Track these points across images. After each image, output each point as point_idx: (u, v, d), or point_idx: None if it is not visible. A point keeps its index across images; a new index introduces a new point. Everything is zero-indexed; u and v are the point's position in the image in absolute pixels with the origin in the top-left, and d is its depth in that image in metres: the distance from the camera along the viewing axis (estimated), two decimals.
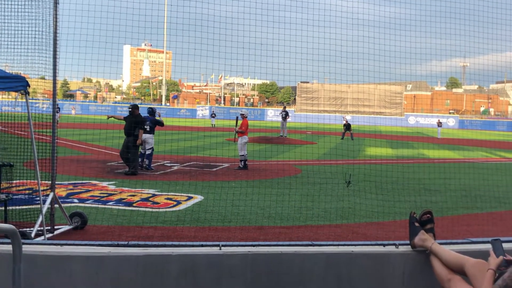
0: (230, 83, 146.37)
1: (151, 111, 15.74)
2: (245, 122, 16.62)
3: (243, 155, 16.11)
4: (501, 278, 3.04)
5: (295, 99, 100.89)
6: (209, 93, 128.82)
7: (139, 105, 15.93)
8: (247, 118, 16.99)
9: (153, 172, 14.66)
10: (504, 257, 3.31)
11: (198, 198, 10.57)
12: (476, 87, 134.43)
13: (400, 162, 19.48)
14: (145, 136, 14.81)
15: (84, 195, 10.64)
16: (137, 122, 14.07)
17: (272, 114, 76.83)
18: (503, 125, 75.69)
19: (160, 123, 15.63)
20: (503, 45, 9.32)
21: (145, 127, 14.84)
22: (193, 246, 4.27)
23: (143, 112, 15.38)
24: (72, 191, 11.06)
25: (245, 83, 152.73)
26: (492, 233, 8.06)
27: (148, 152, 15.18)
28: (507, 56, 9.53)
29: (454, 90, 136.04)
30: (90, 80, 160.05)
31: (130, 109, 14.72)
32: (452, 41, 8.95)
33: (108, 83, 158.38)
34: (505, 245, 3.48)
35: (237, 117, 17.18)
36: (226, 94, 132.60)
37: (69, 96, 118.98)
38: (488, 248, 3.53)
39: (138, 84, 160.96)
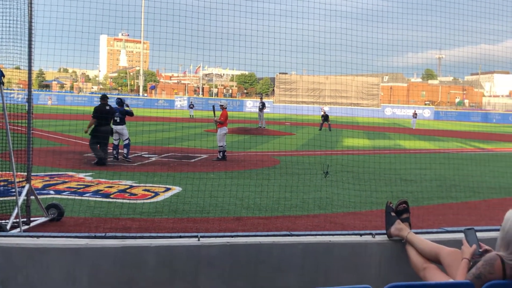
0: (209, 74, 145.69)
1: (120, 102, 15.47)
2: (225, 113, 16.56)
3: (221, 146, 16.08)
4: (475, 266, 3.10)
5: (273, 90, 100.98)
6: (187, 83, 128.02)
7: (108, 95, 15.65)
8: (226, 109, 16.93)
9: (131, 163, 14.56)
10: (478, 246, 3.38)
11: (176, 189, 10.54)
12: (451, 78, 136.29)
13: (377, 152, 19.69)
14: (116, 127, 14.74)
15: (60, 187, 10.52)
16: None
17: (251, 105, 76.79)
18: (477, 116, 76.89)
19: (130, 113, 15.44)
20: (478, 37, 9.45)
21: (115, 118, 14.74)
22: (171, 237, 4.27)
23: (112, 103, 15.19)
24: (48, 182, 10.93)
25: (223, 74, 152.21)
26: (467, 222, 8.22)
27: (125, 142, 15.07)
28: (481, 48, 9.67)
29: (430, 81, 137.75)
30: (66, 70, 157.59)
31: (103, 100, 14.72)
32: (428, 33, 9.05)
33: (85, 73, 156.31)
34: (478, 234, 3.56)
35: (213, 106, 17.09)
36: (204, 84, 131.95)
37: (45, 86, 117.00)
38: (463, 237, 3.60)
39: (115, 75, 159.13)
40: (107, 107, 14.47)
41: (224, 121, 16.44)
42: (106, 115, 14.27)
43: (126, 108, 15.54)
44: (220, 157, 16.04)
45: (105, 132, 14.13)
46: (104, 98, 14.86)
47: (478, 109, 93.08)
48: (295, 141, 22.94)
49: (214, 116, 16.63)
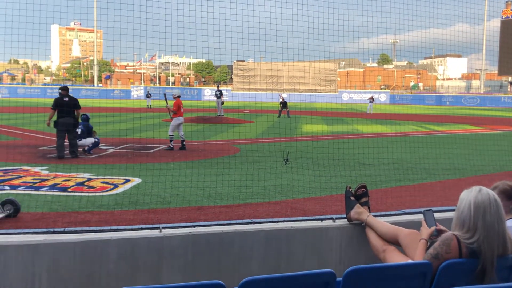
0: (165, 63, 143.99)
1: (86, 118, 15.37)
2: (177, 103, 16.41)
3: (171, 135, 16.03)
4: (432, 246, 3.19)
5: (231, 78, 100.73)
6: (143, 73, 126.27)
7: (69, 87, 15.45)
8: (179, 98, 16.78)
9: (88, 156, 14.30)
10: (435, 227, 3.48)
11: (136, 180, 10.42)
12: (406, 63, 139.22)
13: (335, 138, 19.94)
14: (79, 141, 14.54)
15: (15, 182, 10.24)
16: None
17: (209, 94, 76.25)
18: (431, 99, 78.74)
19: (90, 130, 15.22)
20: (429, 22, 9.66)
21: (77, 130, 14.51)
22: (132, 229, 4.23)
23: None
24: (2, 177, 10.62)
25: (180, 62, 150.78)
26: (424, 203, 8.43)
27: (97, 140, 14.89)
28: (433, 33, 9.91)
29: (385, 66, 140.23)
30: (17, 62, 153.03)
31: (61, 92, 14.34)
32: (382, 18, 9.19)
33: (36, 64, 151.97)
34: (436, 215, 3.66)
35: (164, 94, 17.07)
36: (161, 73, 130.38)
37: None
38: (420, 218, 3.69)
39: (69, 65, 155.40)
40: (66, 99, 14.21)
41: (177, 111, 16.28)
42: (63, 107, 13.97)
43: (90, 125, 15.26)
44: (171, 146, 15.96)
45: (65, 124, 13.88)
46: (63, 89, 14.61)
47: (432, 92, 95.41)
48: (255, 129, 22.98)
49: (167, 104, 16.53)
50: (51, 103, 14.34)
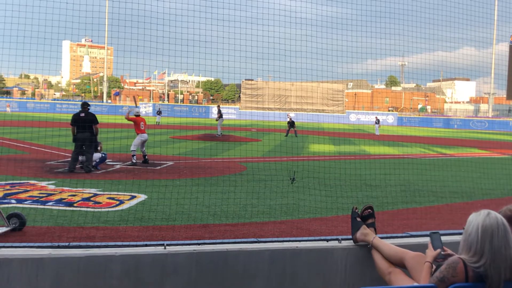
0: (174, 80, 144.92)
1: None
2: (134, 119, 16.63)
3: (133, 151, 16.14)
4: (438, 270, 3.16)
5: (239, 96, 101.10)
6: (152, 90, 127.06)
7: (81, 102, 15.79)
8: (139, 116, 16.99)
9: (95, 171, 14.34)
10: (441, 250, 3.45)
11: (141, 197, 10.41)
12: (414, 85, 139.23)
13: (342, 158, 19.89)
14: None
15: (22, 196, 10.27)
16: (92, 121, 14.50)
17: (217, 112, 76.53)
18: (439, 122, 78.60)
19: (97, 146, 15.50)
20: (436, 45, 9.71)
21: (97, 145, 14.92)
22: (136, 246, 4.22)
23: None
24: (9, 191, 10.65)
25: (189, 80, 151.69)
26: (430, 226, 8.37)
27: (103, 155, 15.06)
28: (441, 55, 9.92)
29: (393, 88, 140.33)
30: (27, 77, 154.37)
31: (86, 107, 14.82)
32: (391, 40, 9.23)
33: (47, 80, 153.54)
34: (443, 238, 3.63)
35: (134, 97, 17.92)
36: (169, 91, 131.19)
37: (6, 93, 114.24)
38: (427, 241, 3.66)
39: (78, 81, 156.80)
40: (82, 114, 14.54)
41: (136, 127, 16.53)
42: (79, 123, 14.30)
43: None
44: (134, 161, 16.03)
45: (82, 139, 14.18)
46: (82, 105, 14.95)
47: (440, 115, 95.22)
48: (262, 147, 22.99)
49: (135, 103, 18.17)
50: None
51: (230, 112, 69.39)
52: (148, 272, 3.99)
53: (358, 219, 4.43)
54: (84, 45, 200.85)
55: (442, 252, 3.41)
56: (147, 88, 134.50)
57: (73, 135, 14.40)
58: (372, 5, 8.96)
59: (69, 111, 73.28)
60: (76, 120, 14.36)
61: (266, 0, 8.30)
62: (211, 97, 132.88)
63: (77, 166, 14.43)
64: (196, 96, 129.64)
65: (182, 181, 12.79)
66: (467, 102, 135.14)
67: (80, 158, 14.50)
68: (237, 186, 11.60)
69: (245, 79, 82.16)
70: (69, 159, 14.40)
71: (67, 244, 4.17)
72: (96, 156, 14.82)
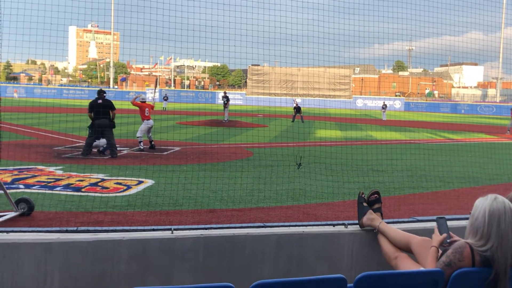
0: (180, 66, 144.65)
1: None
2: (139, 105, 16.59)
3: (139, 137, 16.19)
4: (445, 254, 3.16)
5: (246, 82, 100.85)
6: (159, 75, 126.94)
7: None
8: (145, 102, 16.98)
9: (102, 157, 14.40)
10: (448, 235, 3.45)
11: (149, 182, 10.46)
12: (421, 70, 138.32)
13: (348, 143, 19.86)
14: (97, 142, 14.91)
15: (30, 181, 10.34)
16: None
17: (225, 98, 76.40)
18: (446, 107, 78.13)
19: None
20: (444, 29, 9.60)
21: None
22: (144, 230, 4.25)
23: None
24: (17, 176, 10.73)
25: (195, 66, 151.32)
26: (436, 211, 8.37)
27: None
28: (448, 40, 9.83)
29: (400, 73, 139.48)
30: (34, 62, 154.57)
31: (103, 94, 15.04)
32: (398, 25, 9.15)
33: (53, 65, 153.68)
34: (449, 223, 3.63)
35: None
36: (176, 76, 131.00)
37: (13, 78, 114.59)
38: (433, 226, 3.66)
39: (85, 66, 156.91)
40: (99, 101, 14.77)
41: (141, 114, 16.51)
42: (98, 109, 14.47)
43: None
44: (142, 147, 16.10)
45: (98, 125, 14.41)
46: (99, 92, 15.14)
47: (447, 100, 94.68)
48: (268, 133, 22.99)
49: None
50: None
51: (237, 98, 69.29)
52: (155, 256, 4.02)
53: (365, 204, 4.43)
54: (90, 31, 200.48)
55: (448, 240, 3.41)
56: (154, 73, 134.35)
57: (91, 121, 14.60)
58: None
59: (76, 96, 73.47)
60: (94, 106, 14.61)
61: None
62: (217, 83, 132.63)
63: (93, 150, 14.61)
64: (202, 82, 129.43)
65: (189, 166, 12.83)
66: (475, 87, 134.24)
67: (96, 142, 14.63)
68: (243, 172, 11.63)
69: (252, 65, 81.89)
70: (82, 144, 14.57)
71: (75, 228, 4.20)
72: (103, 141, 14.89)
